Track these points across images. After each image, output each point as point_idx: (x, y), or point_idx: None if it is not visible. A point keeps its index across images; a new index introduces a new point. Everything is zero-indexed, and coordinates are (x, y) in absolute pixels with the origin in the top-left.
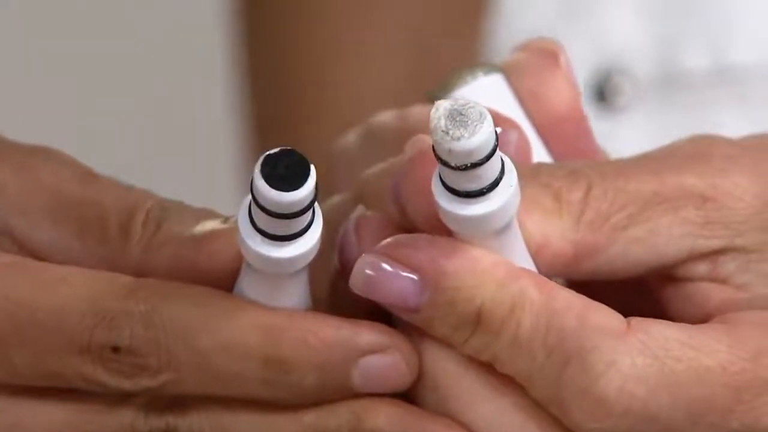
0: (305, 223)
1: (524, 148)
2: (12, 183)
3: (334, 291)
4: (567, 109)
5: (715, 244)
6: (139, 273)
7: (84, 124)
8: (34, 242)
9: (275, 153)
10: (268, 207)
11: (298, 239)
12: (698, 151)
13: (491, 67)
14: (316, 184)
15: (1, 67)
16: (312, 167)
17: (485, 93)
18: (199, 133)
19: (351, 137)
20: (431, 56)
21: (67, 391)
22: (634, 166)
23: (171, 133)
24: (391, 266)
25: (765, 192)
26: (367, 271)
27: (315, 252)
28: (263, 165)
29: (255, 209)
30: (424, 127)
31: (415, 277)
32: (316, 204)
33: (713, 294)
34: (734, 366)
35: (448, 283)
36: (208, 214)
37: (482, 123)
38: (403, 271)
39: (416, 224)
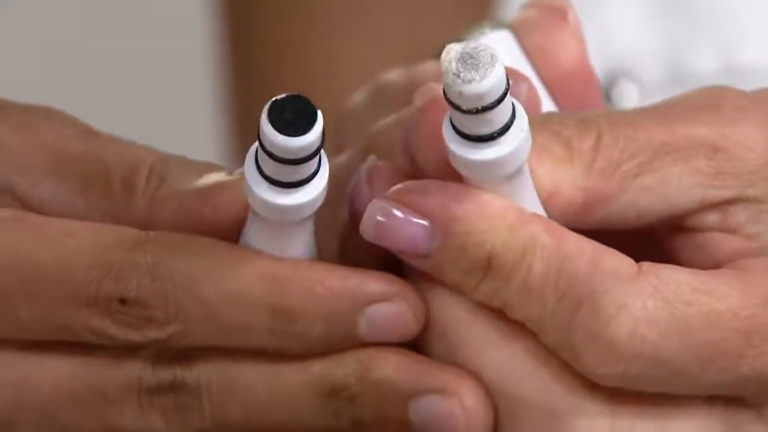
0: (312, 170)
1: (534, 100)
2: (12, 141)
3: (344, 244)
4: (575, 65)
5: (725, 194)
6: (144, 227)
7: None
8: (35, 199)
9: (282, 98)
10: (275, 152)
11: (304, 186)
12: (709, 101)
13: (499, 24)
14: (323, 129)
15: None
16: (319, 113)
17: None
18: (185, 130)
19: (359, 96)
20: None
21: (74, 344)
22: (644, 115)
23: (158, 130)
24: (401, 212)
25: None
26: (378, 217)
27: (322, 199)
28: (270, 110)
29: (262, 155)
30: (430, 83)
31: (425, 222)
32: (322, 151)
33: (724, 244)
34: (744, 311)
35: (459, 228)
36: (211, 167)
37: (493, 66)
38: (413, 217)
39: (427, 172)
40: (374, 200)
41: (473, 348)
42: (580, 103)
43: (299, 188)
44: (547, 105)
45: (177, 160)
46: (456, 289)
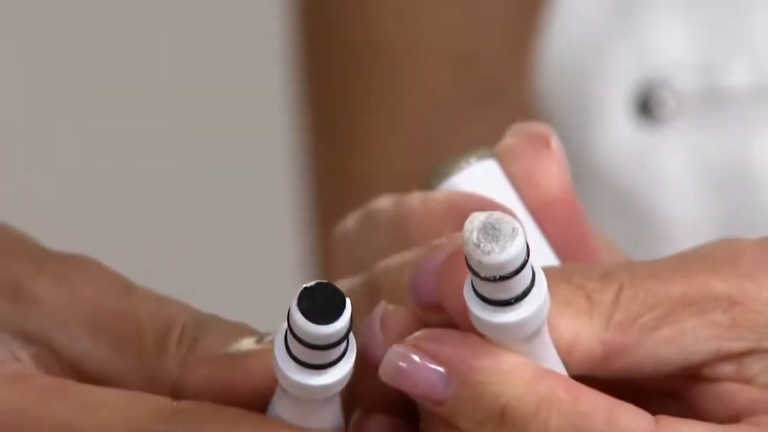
0: (340, 353)
1: None
2: (51, 295)
3: (355, 384)
4: (559, 191)
5: (741, 346)
6: (175, 388)
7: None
8: (73, 354)
9: (312, 286)
10: (304, 339)
11: (332, 367)
12: (727, 254)
13: (484, 153)
14: (351, 315)
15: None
16: (347, 300)
17: (479, 179)
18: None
19: (350, 221)
20: (476, 69)
21: None
22: (664, 268)
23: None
24: (420, 358)
25: None
26: (399, 363)
27: (348, 379)
28: (300, 298)
29: (291, 339)
30: (419, 215)
31: (442, 370)
32: (351, 334)
33: (739, 394)
34: None
35: (475, 378)
36: (243, 331)
37: (514, 239)
38: (431, 364)
39: (454, 320)
40: (394, 346)
41: None
42: (565, 229)
43: (327, 369)
44: (533, 233)
45: (210, 320)
46: None
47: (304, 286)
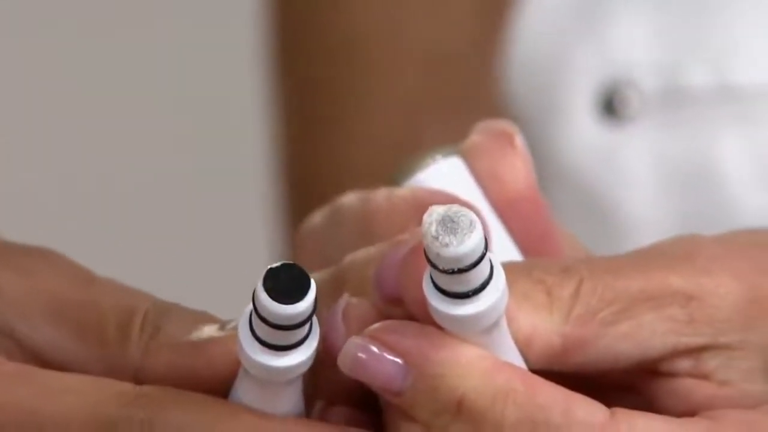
0: (304, 334)
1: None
2: (13, 286)
3: (317, 374)
4: (523, 188)
5: (698, 341)
6: (138, 375)
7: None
8: (35, 343)
9: (277, 267)
10: (269, 318)
11: (296, 349)
12: (684, 250)
13: (449, 150)
14: (316, 297)
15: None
16: (312, 281)
17: (444, 175)
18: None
19: (317, 217)
20: (447, 69)
21: None
22: (623, 263)
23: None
24: (378, 349)
25: (748, 291)
26: (358, 354)
27: (311, 361)
28: (266, 278)
29: (256, 320)
30: (384, 211)
31: (400, 361)
32: (314, 317)
33: (697, 389)
34: None
35: (432, 371)
36: (205, 318)
37: (471, 232)
38: (389, 355)
39: (413, 313)
40: (353, 337)
41: None
42: (529, 225)
43: (291, 351)
44: (497, 230)
45: (172, 308)
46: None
47: (270, 266)
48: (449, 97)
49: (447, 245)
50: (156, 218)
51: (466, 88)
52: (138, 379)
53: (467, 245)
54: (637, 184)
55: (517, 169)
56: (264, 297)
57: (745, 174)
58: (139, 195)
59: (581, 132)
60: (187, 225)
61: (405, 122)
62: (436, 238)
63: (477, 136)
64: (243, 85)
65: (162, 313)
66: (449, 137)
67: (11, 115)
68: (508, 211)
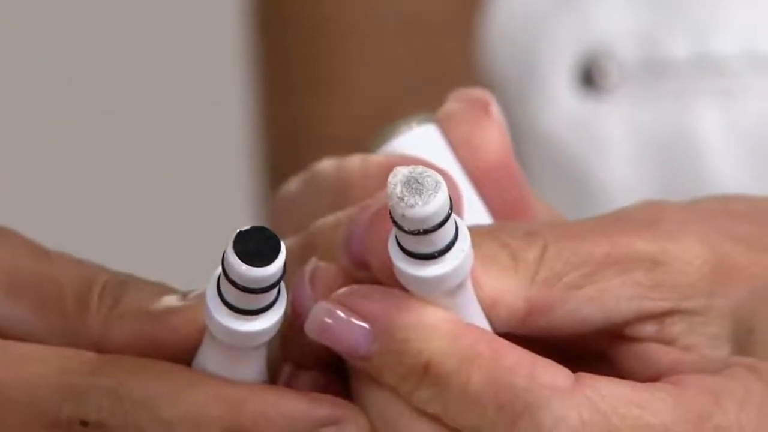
0: (272, 299)
1: (455, 198)
2: None
3: (285, 339)
4: (498, 157)
5: (662, 306)
6: (99, 346)
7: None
8: None
9: (248, 230)
10: (238, 281)
11: (263, 314)
12: (650, 216)
13: (425, 118)
14: (285, 261)
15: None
16: (283, 245)
17: (419, 143)
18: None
19: (293, 183)
20: (427, 40)
21: None
22: (589, 228)
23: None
24: (345, 314)
25: (713, 257)
26: (324, 319)
27: (278, 327)
28: (236, 241)
29: (224, 283)
30: (358, 177)
31: (366, 326)
32: (282, 282)
33: (661, 354)
34: (677, 427)
35: (398, 335)
36: (164, 289)
37: (437, 192)
38: (355, 320)
39: (378, 276)
40: (320, 302)
41: None
42: (504, 193)
43: (258, 316)
44: (471, 197)
45: (130, 279)
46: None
47: (239, 229)
48: (429, 68)
49: (412, 206)
50: (135, 187)
51: (446, 59)
52: (99, 350)
53: (432, 205)
54: (615, 154)
55: (491, 136)
56: (234, 259)
57: (723, 146)
58: (119, 167)
59: (560, 103)
60: (166, 194)
61: (384, 92)
62: (402, 199)
63: (452, 103)
64: (225, 54)
65: (121, 284)
66: (428, 108)
67: None
68: (482, 179)
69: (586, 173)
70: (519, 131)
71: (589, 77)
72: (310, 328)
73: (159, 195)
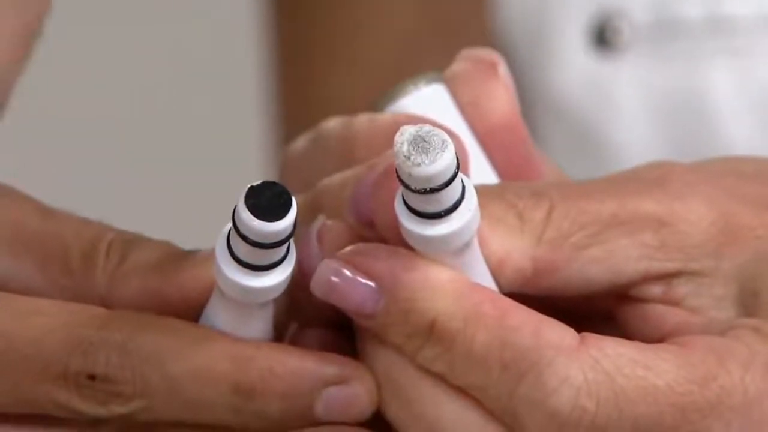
0: (281, 255)
1: (462, 158)
2: None
3: (292, 297)
4: (506, 117)
5: (669, 267)
6: (105, 303)
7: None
8: None
9: (259, 185)
10: (249, 236)
11: (273, 270)
12: (658, 176)
13: (433, 77)
14: (296, 217)
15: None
16: (294, 200)
17: (427, 102)
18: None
19: (300, 142)
20: (439, 5)
21: (41, 417)
22: (596, 188)
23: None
24: (351, 273)
25: (720, 218)
26: (331, 277)
27: (287, 284)
28: (247, 195)
29: (235, 238)
30: (364, 136)
31: (372, 284)
32: (292, 239)
33: (667, 316)
34: (682, 387)
35: (404, 294)
36: (171, 248)
37: (443, 151)
38: (361, 278)
39: (384, 235)
40: (326, 260)
41: (426, 402)
42: (511, 154)
43: (268, 272)
44: (478, 158)
45: (136, 238)
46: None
47: (251, 185)
48: (441, 28)
49: (419, 164)
50: (147, 143)
51: (459, 19)
52: (105, 307)
53: (439, 164)
54: (627, 115)
55: (499, 97)
56: (245, 214)
57: (735, 106)
58: (131, 121)
59: (573, 63)
60: (180, 151)
61: (398, 51)
62: (408, 157)
63: (460, 63)
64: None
65: (127, 242)
66: (441, 67)
67: None
68: (488, 140)
69: (598, 133)
70: (530, 93)
71: (603, 37)
72: (316, 286)
73: (174, 156)
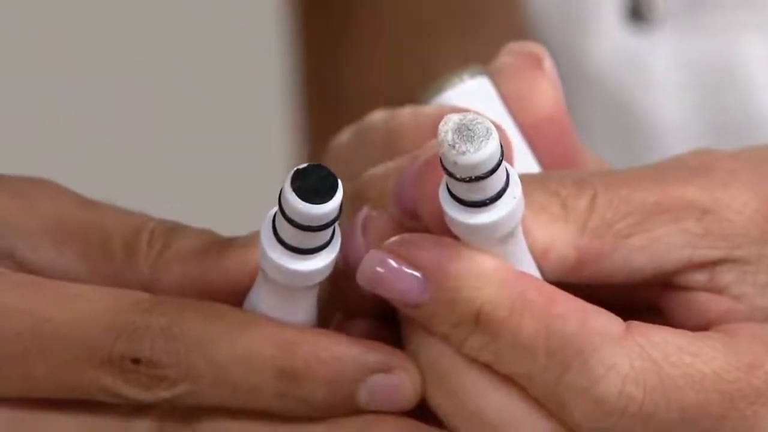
0: (327, 238)
1: (506, 147)
2: (11, 207)
3: (335, 286)
4: (550, 110)
5: (713, 254)
6: (148, 290)
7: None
8: (35, 264)
9: (305, 167)
10: (295, 219)
11: (318, 253)
12: (701, 164)
13: (477, 71)
14: (342, 200)
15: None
16: (340, 182)
17: (471, 95)
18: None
19: (345, 135)
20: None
21: (85, 403)
22: (639, 176)
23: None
24: (396, 263)
25: (764, 206)
26: (376, 268)
27: (331, 268)
28: (293, 178)
29: (280, 221)
30: (409, 128)
31: (418, 275)
32: (337, 223)
33: (712, 304)
34: (729, 374)
35: (450, 284)
36: (211, 234)
37: (488, 139)
38: (407, 268)
39: (428, 225)
40: (372, 251)
41: (471, 392)
42: (555, 147)
43: (313, 255)
44: (523, 150)
45: (177, 226)
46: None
47: (297, 167)
48: (470, 9)
49: (464, 153)
50: (176, 140)
51: (483, 7)
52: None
53: (484, 152)
54: (663, 89)
55: (544, 91)
56: (292, 197)
57: None
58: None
59: (608, 38)
60: (209, 148)
61: (421, 34)
62: (453, 146)
63: (505, 57)
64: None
65: (169, 230)
66: (471, 51)
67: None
68: (533, 133)
69: (634, 108)
70: (564, 70)
71: (638, 11)
72: (362, 277)
73: (201, 148)
